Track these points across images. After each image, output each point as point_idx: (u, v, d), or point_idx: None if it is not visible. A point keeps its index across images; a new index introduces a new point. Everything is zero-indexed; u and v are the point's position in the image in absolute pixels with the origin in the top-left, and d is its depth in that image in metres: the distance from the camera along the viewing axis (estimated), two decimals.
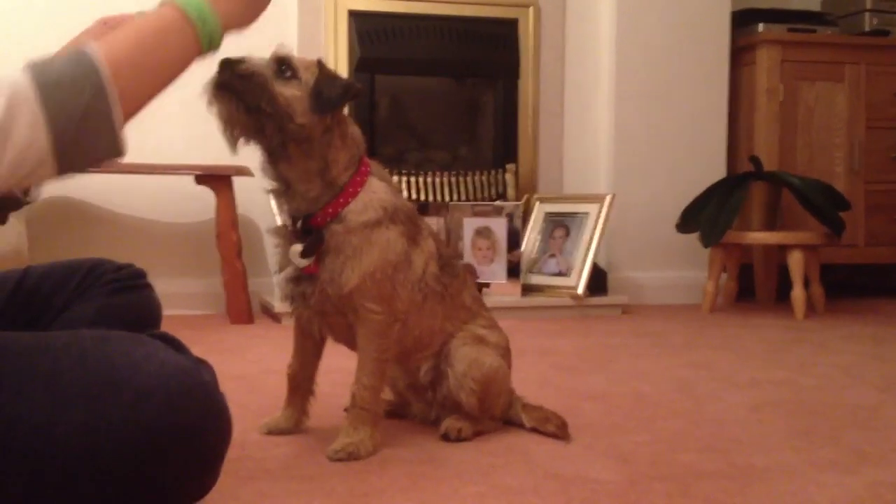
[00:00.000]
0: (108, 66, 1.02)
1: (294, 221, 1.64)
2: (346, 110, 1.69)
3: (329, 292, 1.63)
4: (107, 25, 1.39)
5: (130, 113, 1.05)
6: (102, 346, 1.13)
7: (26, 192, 1.40)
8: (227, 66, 1.52)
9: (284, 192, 1.65)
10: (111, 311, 1.47)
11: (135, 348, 1.13)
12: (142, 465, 1.10)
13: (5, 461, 1.08)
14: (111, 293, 1.50)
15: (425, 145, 4.24)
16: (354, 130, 1.68)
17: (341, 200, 1.62)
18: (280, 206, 1.68)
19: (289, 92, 1.55)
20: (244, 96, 1.52)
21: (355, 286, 1.61)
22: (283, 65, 1.57)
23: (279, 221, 1.76)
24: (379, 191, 1.66)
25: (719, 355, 2.81)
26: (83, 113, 1.00)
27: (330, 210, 1.62)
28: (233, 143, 1.56)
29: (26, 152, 0.98)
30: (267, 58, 1.58)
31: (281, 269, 1.70)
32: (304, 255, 1.61)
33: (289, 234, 1.66)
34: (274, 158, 1.61)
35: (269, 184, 1.66)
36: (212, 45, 1.13)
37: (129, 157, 3.65)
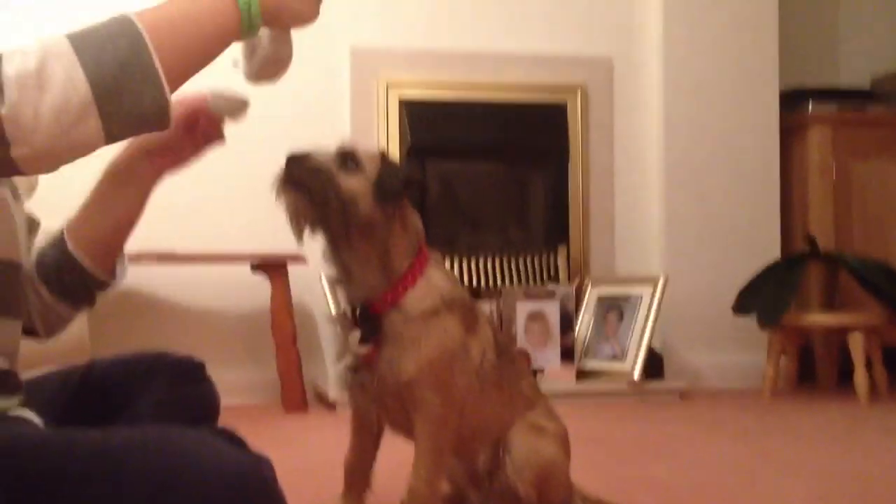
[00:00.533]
0: (145, 22, 1.01)
1: (353, 309, 1.65)
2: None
3: (388, 381, 1.62)
4: (176, 110, 1.41)
5: (168, 79, 1.02)
6: (164, 442, 1.13)
7: (113, 273, 1.43)
8: (295, 161, 1.57)
9: (344, 279, 1.66)
10: (172, 405, 1.48)
11: (197, 445, 1.13)
12: None
13: None
14: (171, 387, 1.50)
15: (476, 229, 4.26)
16: (415, 219, 1.70)
17: (400, 289, 1.63)
18: (339, 293, 1.70)
19: (353, 184, 1.58)
20: (311, 190, 1.56)
21: (413, 375, 1.61)
22: (347, 157, 1.61)
23: (335, 310, 1.78)
24: (437, 279, 1.67)
25: (781, 443, 2.74)
26: (122, 61, 0.98)
27: (389, 298, 1.63)
28: (299, 234, 1.59)
29: (68, 99, 0.95)
30: (332, 151, 1.61)
31: (339, 358, 1.70)
32: (361, 341, 1.62)
33: (348, 322, 1.67)
34: (336, 246, 1.63)
35: (328, 271, 1.68)
36: (251, 28, 1.13)
37: (185, 246, 3.69)
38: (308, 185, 1.56)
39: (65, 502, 1.09)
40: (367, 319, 1.63)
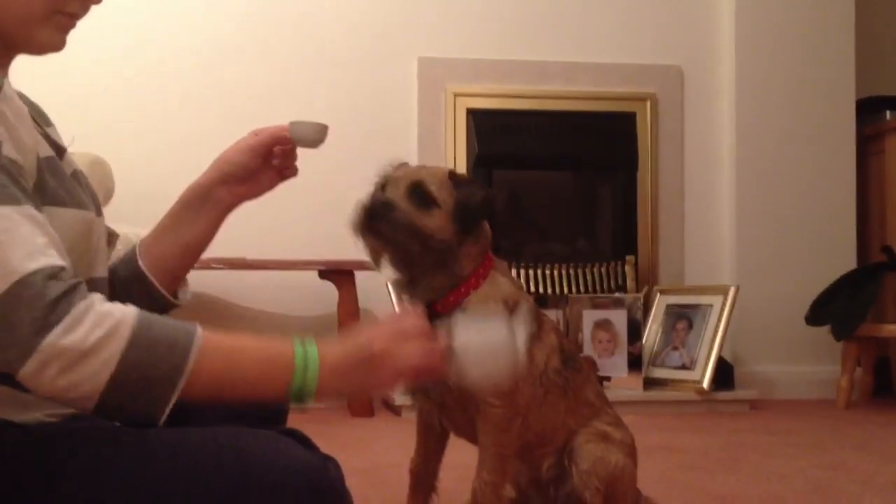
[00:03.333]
0: (200, 364, 1.07)
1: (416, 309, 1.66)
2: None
3: (450, 384, 1.63)
4: (256, 136, 1.43)
5: (193, 395, 1.08)
6: (236, 442, 1.15)
7: (175, 296, 1.46)
8: (373, 213, 1.56)
9: (409, 283, 1.67)
10: (241, 407, 1.50)
11: (267, 445, 1.15)
12: None
13: None
14: None
15: (544, 238, 4.25)
16: (485, 226, 1.71)
17: (463, 290, 1.64)
18: (403, 295, 1.70)
19: (433, 223, 1.58)
20: (392, 239, 1.57)
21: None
22: (419, 193, 1.58)
23: (396, 310, 1.79)
24: (501, 284, 1.68)
25: (856, 455, 2.68)
26: (148, 382, 1.04)
27: (452, 298, 1.64)
28: (400, 273, 1.63)
29: (79, 386, 1.02)
30: (400, 183, 1.60)
31: None
32: None
33: None
34: (406, 264, 1.63)
35: (391, 274, 1.69)
36: (300, 399, 1.15)
37: (255, 253, 3.74)
38: (388, 234, 1.56)
39: (138, 501, 1.12)
40: (430, 319, 1.64)
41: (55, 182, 1.21)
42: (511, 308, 1.65)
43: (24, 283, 1.00)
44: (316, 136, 1.43)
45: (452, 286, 1.64)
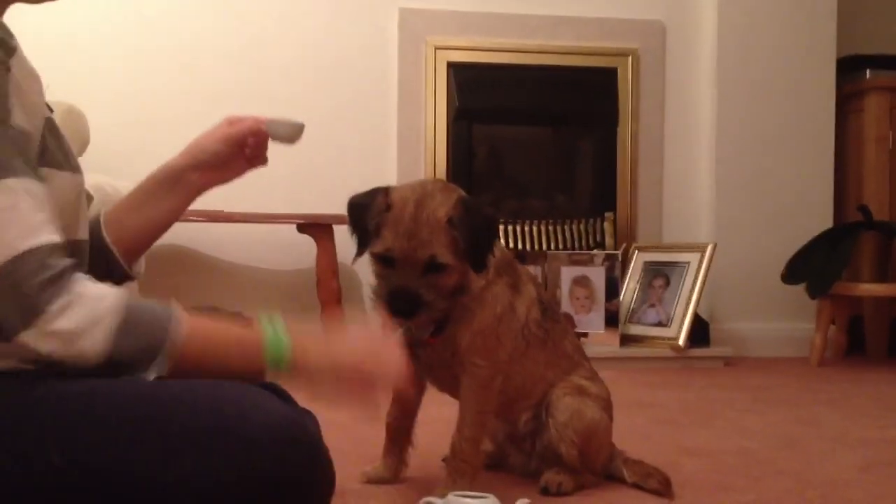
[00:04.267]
0: (181, 346, 1.14)
1: None
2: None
3: (441, 352, 1.64)
4: (232, 126, 1.46)
5: (177, 367, 1.15)
6: (213, 394, 1.16)
7: (131, 264, 1.47)
8: (408, 311, 1.54)
9: None
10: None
11: (244, 397, 1.15)
12: None
13: None
14: None
15: (523, 194, 4.25)
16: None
17: None
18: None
19: (451, 281, 1.57)
20: (421, 317, 1.56)
21: (466, 345, 1.63)
22: (433, 266, 1.54)
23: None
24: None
25: (828, 411, 2.72)
26: (138, 356, 1.12)
27: None
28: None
29: (79, 358, 1.10)
30: (415, 263, 1.54)
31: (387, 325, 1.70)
32: (434, 334, 1.63)
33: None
34: None
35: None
36: (272, 376, 1.22)
37: (234, 206, 3.71)
38: (417, 316, 1.55)
39: (114, 449, 1.12)
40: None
41: (54, 144, 1.21)
42: (496, 269, 1.64)
43: (20, 261, 1.03)
44: (292, 134, 1.47)
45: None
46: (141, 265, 1.49)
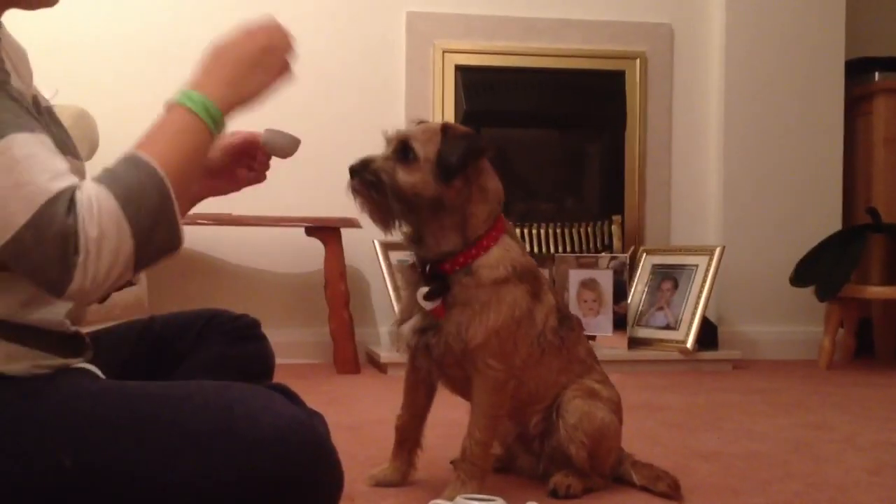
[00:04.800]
0: (160, 166, 1.11)
1: (423, 265, 1.66)
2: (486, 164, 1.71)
3: (453, 346, 1.64)
4: (230, 139, 1.49)
5: (183, 209, 1.14)
6: (223, 396, 1.16)
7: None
8: (355, 174, 1.61)
9: (416, 241, 1.67)
10: (227, 361, 1.51)
11: (253, 399, 1.16)
12: None
13: None
14: (228, 343, 1.54)
15: (531, 197, 4.24)
16: (495, 184, 1.69)
17: (473, 252, 1.64)
18: (411, 251, 1.70)
19: (412, 178, 1.61)
20: (374, 197, 1.61)
21: (481, 342, 1.62)
22: (404, 148, 1.62)
23: (404, 263, 1.80)
24: (511, 249, 1.68)
25: (838, 415, 2.71)
26: (155, 217, 1.09)
27: (461, 259, 1.64)
28: (383, 231, 1.66)
29: (117, 257, 1.06)
30: (392, 143, 1.63)
31: (403, 318, 1.71)
32: (427, 297, 1.63)
33: (417, 278, 1.68)
34: (410, 221, 1.66)
35: (402, 231, 1.68)
36: (218, 129, 1.20)
37: (242, 209, 3.71)
38: (369, 194, 1.60)
39: (124, 451, 1.13)
40: (436, 277, 1.64)
41: (56, 130, 1.22)
42: (518, 274, 1.65)
43: (54, 202, 1.03)
44: (287, 148, 1.50)
45: (464, 248, 1.63)
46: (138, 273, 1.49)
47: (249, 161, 1.52)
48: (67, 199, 1.03)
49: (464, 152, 1.62)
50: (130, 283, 1.46)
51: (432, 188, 1.60)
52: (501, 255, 1.65)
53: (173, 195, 1.11)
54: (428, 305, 1.63)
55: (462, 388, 1.73)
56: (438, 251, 1.64)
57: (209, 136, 1.19)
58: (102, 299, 1.44)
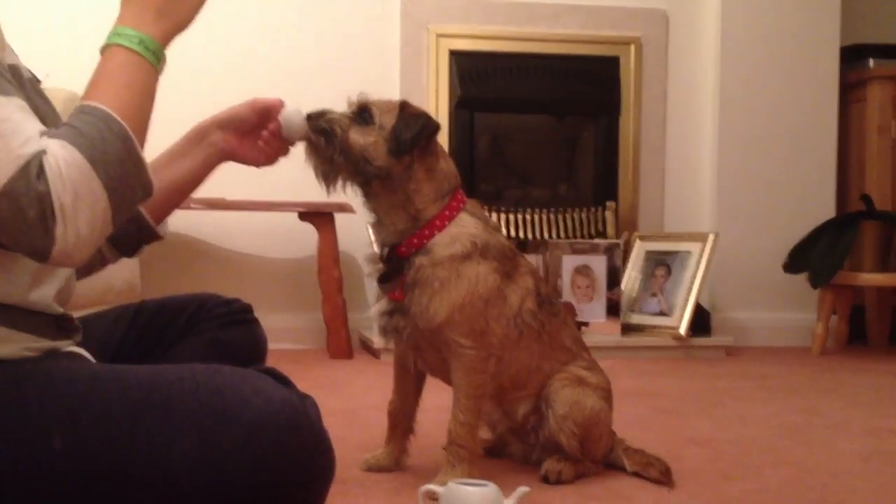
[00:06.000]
0: (117, 111, 1.11)
1: (382, 250, 1.69)
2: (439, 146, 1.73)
3: (420, 326, 1.64)
4: (255, 108, 1.53)
5: (137, 130, 1.13)
6: (214, 379, 1.16)
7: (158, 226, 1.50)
8: (309, 120, 1.63)
9: (377, 223, 1.71)
10: (220, 345, 1.50)
11: (244, 382, 1.15)
12: (248, 498, 1.12)
13: (120, 491, 1.11)
14: (220, 327, 1.54)
15: (525, 183, 4.24)
16: (446, 165, 1.71)
17: (426, 232, 1.65)
18: (374, 236, 1.73)
19: (364, 140, 1.64)
20: (320, 149, 1.63)
21: (444, 319, 1.63)
22: (363, 112, 1.65)
23: (370, 252, 1.83)
24: (469, 225, 1.68)
25: (830, 401, 2.71)
26: (123, 166, 1.09)
27: (414, 241, 1.65)
28: (324, 187, 1.69)
29: (95, 213, 1.06)
30: (353, 106, 1.67)
31: (377, 300, 1.73)
32: (380, 280, 1.68)
33: (377, 262, 1.71)
34: (365, 195, 1.69)
35: (368, 217, 1.71)
36: (160, 62, 1.19)
37: (237, 194, 3.70)
38: (318, 144, 1.62)
39: (116, 434, 1.12)
40: (391, 259, 1.66)
41: (42, 105, 1.21)
42: (480, 250, 1.65)
43: (25, 169, 1.02)
44: (293, 132, 1.56)
45: (415, 228, 1.64)
46: (166, 225, 1.52)
47: (274, 130, 1.55)
48: (37, 165, 1.02)
49: (418, 131, 1.65)
50: (160, 237, 1.48)
51: (382, 157, 1.63)
52: (457, 232, 1.66)
53: (136, 140, 1.11)
54: (384, 289, 1.66)
55: (441, 371, 1.74)
56: (395, 231, 1.67)
57: (154, 71, 1.17)
58: (87, 272, 1.45)
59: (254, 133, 1.55)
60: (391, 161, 1.63)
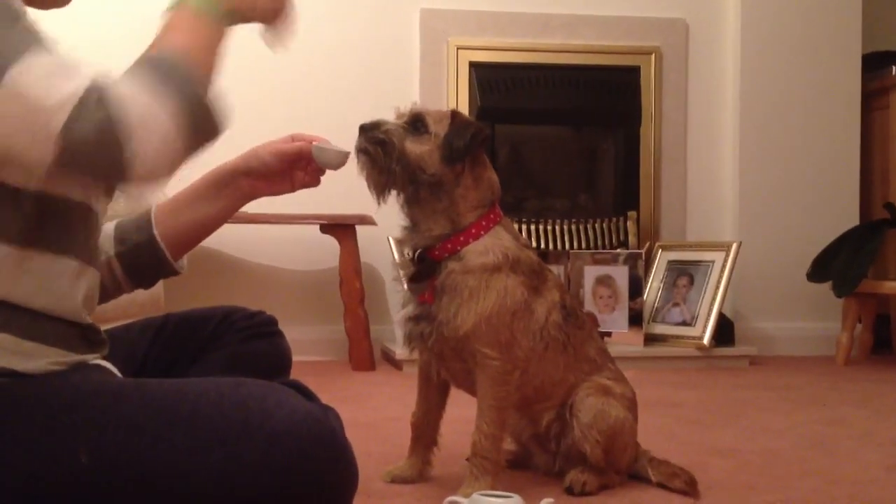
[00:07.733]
0: (183, 58, 1.11)
1: (414, 253, 1.69)
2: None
3: (445, 333, 1.65)
4: (287, 143, 1.54)
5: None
6: (238, 392, 1.16)
7: (177, 261, 1.52)
8: (364, 131, 1.65)
9: (411, 227, 1.71)
10: (244, 358, 1.51)
11: (268, 395, 1.16)
12: None
13: (146, 503, 1.12)
14: (244, 340, 1.55)
15: (545, 193, 4.24)
16: (490, 175, 1.73)
17: (461, 238, 1.66)
18: (406, 239, 1.73)
19: (419, 149, 1.66)
20: (378, 159, 1.64)
21: (470, 329, 1.63)
22: (416, 121, 1.68)
23: (396, 258, 1.84)
24: (504, 239, 1.69)
25: (855, 411, 2.69)
26: (187, 93, 1.09)
27: (449, 245, 1.66)
28: (376, 198, 1.68)
29: (166, 136, 1.06)
30: (404, 117, 1.69)
31: (403, 306, 1.73)
32: (412, 279, 1.68)
33: (408, 265, 1.72)
34: (409, 201, 1.70)
35: (402, 222, 1.73)
36: (224, 20, 1.19)
37: (259, 208, 3.73)
38: (375, 155, 1.64)
39: (141, 447, 1.13)
40: (423, 261, 1.66)
41: None
42: (511, 264, 1.66)
43: (85, 100, 1.02)
44: (335, 162, 1.55)
45: (453, 233, 1.65)
46: (184, 261, 1.54)
47: (305, 165, 1.56)
48: (96, 95, 1.02)
49: (470, 139, 1.67)
50: (176, 273, 1.49)
51: (436, 165, 1.65)
52: (492, 243, 1.67)
53: (201, 71, 1.11)
54: (415, 289, 1.66)
55: (465, 382, 1.74)
56: (430, 236, 1.67)
57: (220, 29, 1.18)
58: (102, 297, 1.45)
59: (284, 173, 1.56)
60: (444, 169, 1.65)
